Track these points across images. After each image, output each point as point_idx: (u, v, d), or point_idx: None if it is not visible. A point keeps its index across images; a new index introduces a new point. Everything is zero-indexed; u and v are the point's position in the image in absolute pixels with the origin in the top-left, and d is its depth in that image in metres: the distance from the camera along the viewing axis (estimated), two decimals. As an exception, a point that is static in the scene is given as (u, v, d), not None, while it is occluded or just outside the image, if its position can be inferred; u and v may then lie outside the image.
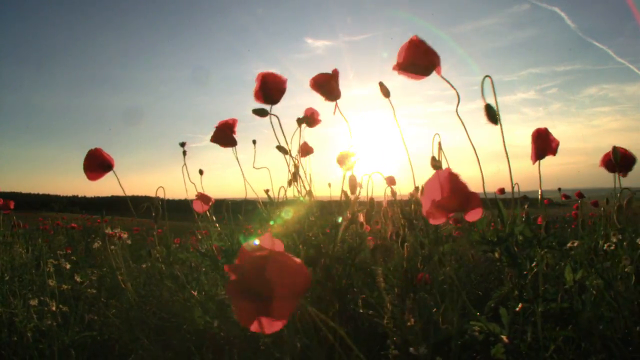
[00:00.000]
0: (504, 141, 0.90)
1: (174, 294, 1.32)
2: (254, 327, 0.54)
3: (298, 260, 0.60)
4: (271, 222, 1.32)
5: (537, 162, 1.15)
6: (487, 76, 0.87)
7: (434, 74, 0.94)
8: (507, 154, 0.90)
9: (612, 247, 0.91)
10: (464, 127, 0.93)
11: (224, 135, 1.27)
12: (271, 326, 0.54)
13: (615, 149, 1.11)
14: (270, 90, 1.28)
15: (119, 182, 1.23)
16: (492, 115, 0.87)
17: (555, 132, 1.11)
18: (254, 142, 1.58)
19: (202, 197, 1.41)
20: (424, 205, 0.84)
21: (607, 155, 1.11)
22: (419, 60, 0.93)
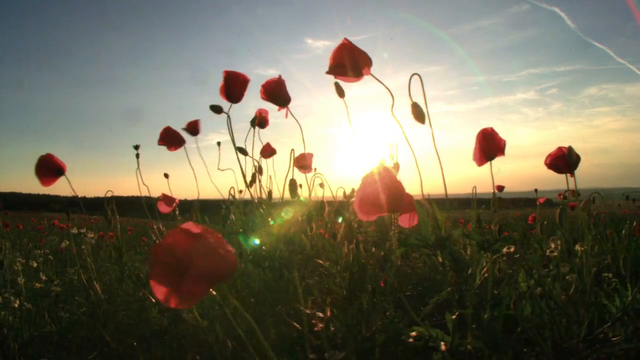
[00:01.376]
0: (434, 140, 0.87)
1: (134, 293, 1.34)
2: (164, 299, 0.56)
3: (229, 248, 0.61)
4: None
5: (487, 164, 1.11)
6: (415, 74, 0.85)
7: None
8: (437, 153, 0.88)
9: (555, 254, 0.87)
10: (401, 128, 0.91)
11: (170, 136, 1.29)
12: (181, 302, 0.57)
13: (570, 148, 1.07)
14: (232, 89, 1.28)
15: (71, 185, 1.26)
16: (419, 114, 0.85)
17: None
18: (219, 144, 1.59)
19: (166, 199, 1.42)
20: (355, 199, 0.83)
21: (550, 155, 1.07)
22: (347, 62, 0.91)
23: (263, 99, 1.20)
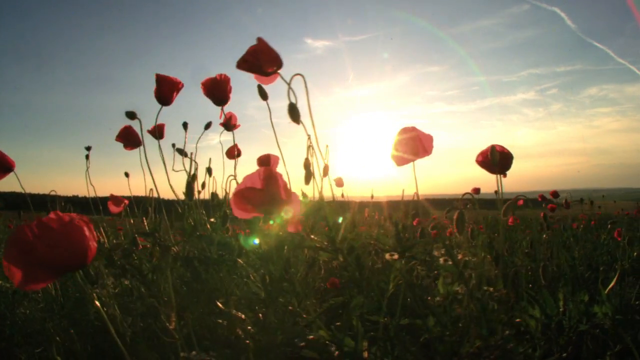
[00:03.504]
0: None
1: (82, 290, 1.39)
2: (11, 278, 0.62)
3: (90, 243, 0.66)
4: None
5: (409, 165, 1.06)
6: (297, 74, 0.84)
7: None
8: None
9: (450, 262, 0.82)
10: (304, 127, 0.89)
11: (128, 136, 1.33)
12: (24, 284, 0.62)
13: (493, 148, 1.01)
14: (163, 92, 1.30)
15: (20, 183, 1.33)
16: (293, 114, 0.83)
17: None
18: (173, 145, 1.63)
19: (114, 199, 1.47)
20: (232, 196, 0.81)
21: (482, 153, 1.01)
22: (252, 59, 0.90)
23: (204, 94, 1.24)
